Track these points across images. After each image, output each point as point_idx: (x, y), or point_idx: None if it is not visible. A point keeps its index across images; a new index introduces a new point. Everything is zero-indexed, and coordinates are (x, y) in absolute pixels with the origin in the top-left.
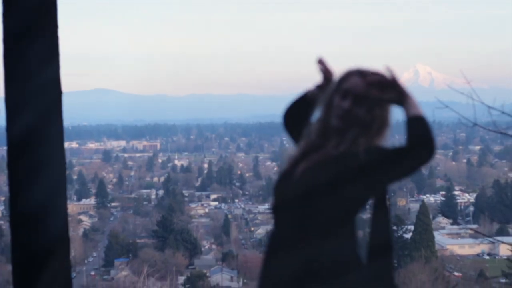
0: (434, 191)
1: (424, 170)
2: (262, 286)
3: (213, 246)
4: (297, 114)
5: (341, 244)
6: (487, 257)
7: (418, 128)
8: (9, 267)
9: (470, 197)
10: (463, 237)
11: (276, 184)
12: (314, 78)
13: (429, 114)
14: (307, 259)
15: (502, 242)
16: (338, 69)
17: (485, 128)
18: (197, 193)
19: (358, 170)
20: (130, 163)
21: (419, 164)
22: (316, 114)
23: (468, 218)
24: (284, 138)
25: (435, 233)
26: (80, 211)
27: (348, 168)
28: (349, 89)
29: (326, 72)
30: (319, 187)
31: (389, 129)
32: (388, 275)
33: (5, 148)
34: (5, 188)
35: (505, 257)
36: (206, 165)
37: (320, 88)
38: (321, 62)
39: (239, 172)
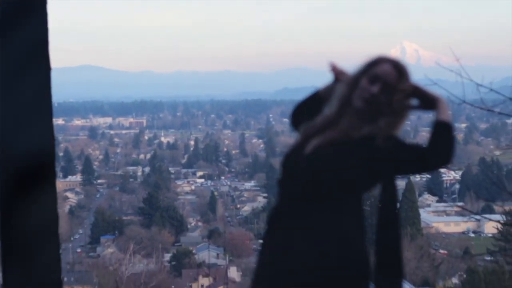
0: None
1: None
2: (264, 261)
3: (199, 223)
4: (306, 112)
5: (344, 220)
6: (473, 235)
7: (444, 135)
8: None
9: (456, 175)
10: (448, 214)
11: (285, 156)
12: (302, 55)
13: None
14: (308, 235)
15: (488, 219)
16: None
17: (473, 105)
18: (183, 170)
19: (373, 156)
20: (116, 140)
21: (431, 168)
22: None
23: (454, 196)
24: (270, 115)
25: (421, 211)
26: (66, 188)
27: (363, 152)
28: (379, 75)
29: (339, 74)
30: (331, 165)
31: (405, 122)
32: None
33: None
34: None
35: (491, 235)
36: (192, 142)
37: (331, 88)
38: (333, 66)
39: (225, 149)
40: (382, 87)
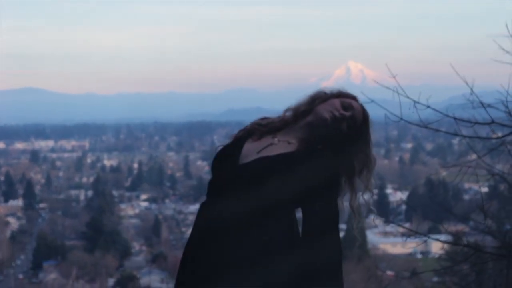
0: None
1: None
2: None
3: (144, 247)
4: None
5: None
6: (420, 256)
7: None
8: None
9: (402, 195)
10: (395, 236)
11: (219, 159)
12: (247, 76)
13: None
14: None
15: (434, 239)
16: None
17: (411, 123)
18: (127, 194)
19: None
20: (58, 163)
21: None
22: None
23: (400, 217)
24: (215, 136)
25: (368, 232)
26: (8, 213)
27: (307, 170)
28: (353, 107)
29: None
30: (272, 177)
31: (355, 173)
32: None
33: None
34: None
35: (437, 256)
36: (136, 165)
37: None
38: None
39: (169, 172)
40: (350, 118)
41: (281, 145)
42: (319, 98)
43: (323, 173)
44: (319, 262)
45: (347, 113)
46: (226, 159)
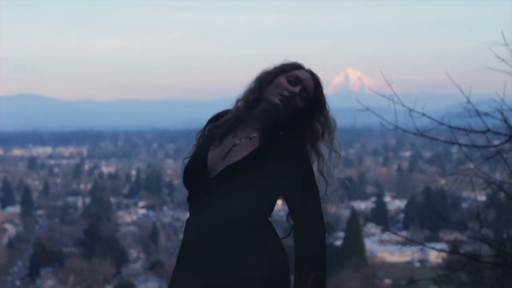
0: (365, 198)
1: (355, 177)
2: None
3: (141, 255)
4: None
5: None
6: (418, 264)
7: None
8: None
9: (400, 204)
10: (393, 244)
11: (192, 166)
12: (244, 84)
13: (359, 119)
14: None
15: (436, 250)
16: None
17: (407, 131)
18: (125, 201)
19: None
20: (56, 170)
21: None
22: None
23: (398, 225)
24: None
25: (366, 240)
26: (5, 220)
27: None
28: (301, 78)
29: None
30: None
31: (318, 138)
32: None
33: None
34: None
35: (436, 264)
36: (134, 172)
37: None
38: None
39: (167, 179)
40: (302, 90)
41: (244, 144)
42: (265, 81)
43: (293, 157)
44: (306, 249)
45: (296, 89)
46: (195, 173)
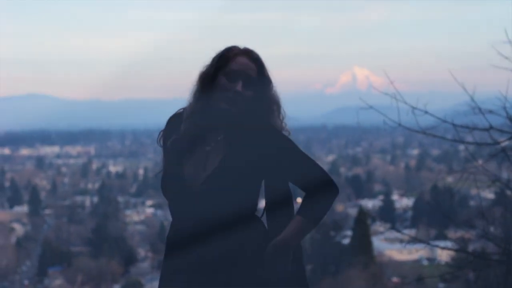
0: (373, 196)
1: (363, 175)
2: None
3: (149, 254)
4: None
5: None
6: (426, 262)
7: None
8: None
9: (408, 202)
10: (401, 242)
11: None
12: None
13: (367, 118)
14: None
15: (439, 247)
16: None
17: (410, 129)
18: (133, 200)
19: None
20: (63, 169)
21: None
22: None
23: (406, 223)
24: None
25: (374, 238)
26: (13, 219)
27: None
28: (238, 71)
29: None
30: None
31: (280, 106)
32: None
33: None
34: None
35: (444, 262)
36: (141, 171)
37: None
38: None
39: None
40: (244, 82)
41: (215, 148)
42: (207, 85)
43: (266, 138)
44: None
45: (239, 86)
46: (176, 190)
